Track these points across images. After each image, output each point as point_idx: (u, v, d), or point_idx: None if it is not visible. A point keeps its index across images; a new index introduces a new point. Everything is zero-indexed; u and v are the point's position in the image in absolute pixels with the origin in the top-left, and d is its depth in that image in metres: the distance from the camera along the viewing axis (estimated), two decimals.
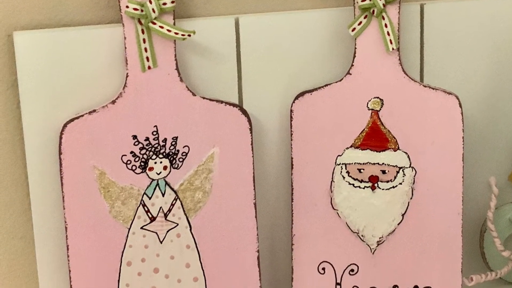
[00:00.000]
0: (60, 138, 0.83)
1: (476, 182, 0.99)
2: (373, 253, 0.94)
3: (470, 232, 1.01)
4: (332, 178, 0.92)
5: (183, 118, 0.86)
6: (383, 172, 0.92)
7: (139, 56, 0.83)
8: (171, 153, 0.87)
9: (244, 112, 0.87)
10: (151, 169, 0.86)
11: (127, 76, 0.84)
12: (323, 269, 0.95)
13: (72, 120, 0.83)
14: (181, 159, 0.87)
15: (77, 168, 0.84)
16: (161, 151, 0.86)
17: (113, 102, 0.84)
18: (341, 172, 0.92)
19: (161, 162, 0.86)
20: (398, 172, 0.92)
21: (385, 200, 0.92)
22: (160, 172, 0.87)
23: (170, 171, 0.87)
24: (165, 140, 0.86)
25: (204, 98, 0.87)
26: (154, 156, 0.86)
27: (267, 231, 0.95)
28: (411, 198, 0.93)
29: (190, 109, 0.86)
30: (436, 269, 0.94)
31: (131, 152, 0.85)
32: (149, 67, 0.84)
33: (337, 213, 0.93)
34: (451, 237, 0.93)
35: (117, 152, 0.84)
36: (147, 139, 0.85)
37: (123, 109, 0.84)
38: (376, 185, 0.92)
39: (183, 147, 0.87)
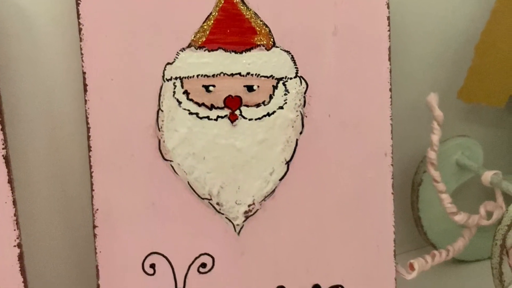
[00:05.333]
0: None
1: (404, 99, 0.69)
2: (238, 233, 0.58)
3: (396, 187, 0.65)
4: (159, 106, 0.56)
5: None
6: (249, 89, 0.56)
7: None
8: None
9: None
10: None
11: None
12: (152, 266, 0.57)
13: None
14: None
15: None
16: None
17: None
18: (174, 93, 0.55)
19: None
20: (275, 87, 0.56)
21: (256, 139, 0.57)
22: None
23: None
24: None
25: None
26: None
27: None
28: (300, 133, 0.57)
29: None
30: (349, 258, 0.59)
31: None
32: None
33: (171, 167, 0.56)
34: (372, 198, 0.59)
35: None
36: None
37: None
38: (237, 113, 0.56)
39: None
